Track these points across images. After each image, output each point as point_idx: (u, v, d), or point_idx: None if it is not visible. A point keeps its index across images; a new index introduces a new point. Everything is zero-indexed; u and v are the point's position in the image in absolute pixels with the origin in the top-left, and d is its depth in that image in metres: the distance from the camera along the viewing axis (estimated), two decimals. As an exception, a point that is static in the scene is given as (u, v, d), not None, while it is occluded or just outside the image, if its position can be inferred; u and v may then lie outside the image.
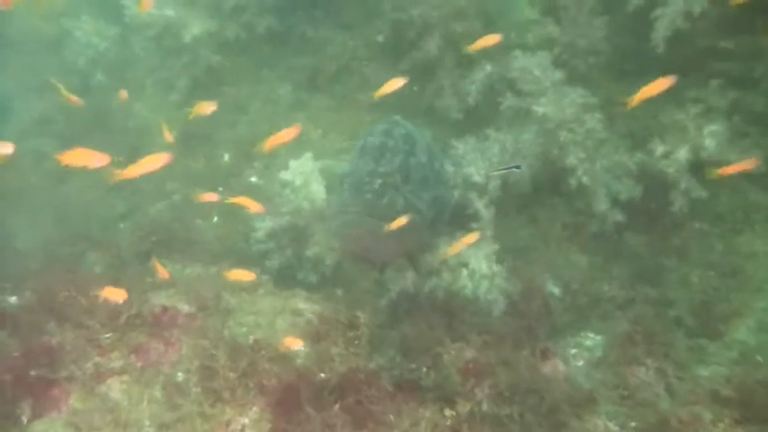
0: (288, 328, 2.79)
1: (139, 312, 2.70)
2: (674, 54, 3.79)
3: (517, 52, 4.13)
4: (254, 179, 5.70)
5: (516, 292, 3.99)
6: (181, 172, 5.96)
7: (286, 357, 2.62)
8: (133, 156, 6.49)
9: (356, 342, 2.71)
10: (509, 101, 4.38)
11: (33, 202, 6.62)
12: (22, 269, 5.09)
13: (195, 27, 5.89)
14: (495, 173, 4.05)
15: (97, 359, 2.48)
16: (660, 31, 3.70)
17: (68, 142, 6.95)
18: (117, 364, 2.49)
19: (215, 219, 5.50)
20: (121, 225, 5.87)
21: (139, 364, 2.51)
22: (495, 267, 4.17)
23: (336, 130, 5.71)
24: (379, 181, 3.32)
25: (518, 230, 4.56)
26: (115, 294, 2.59)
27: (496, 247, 4.21)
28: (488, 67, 4.72)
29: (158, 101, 6.55)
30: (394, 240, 3.36)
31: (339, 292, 4.78)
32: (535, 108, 3.89)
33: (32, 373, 2.36)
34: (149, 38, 6.18)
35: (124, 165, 6.76)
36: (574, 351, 3.84)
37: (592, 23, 4.23)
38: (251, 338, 2.74)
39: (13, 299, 4.55)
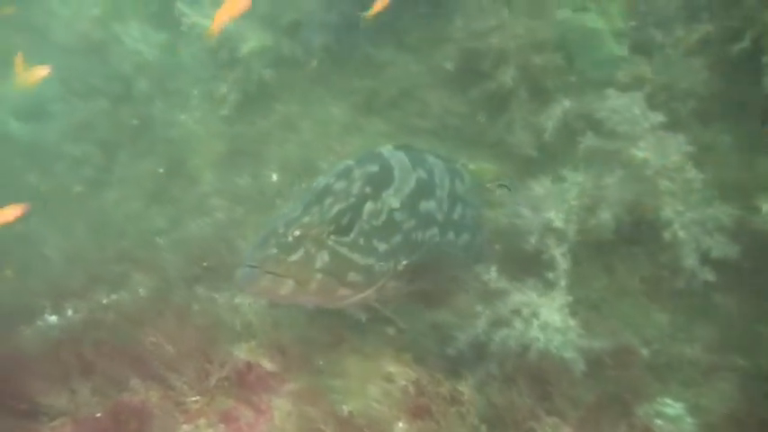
0: (382, 398, 2.50)
1: (229, 374, 2.42)
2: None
3: (610, 90, 3.85)
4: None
5: (596, 351, 3.66)
6: (226, 189, 5.75)
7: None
8: (175, 167, 6.34)
9: (461, 420, 2.41)
10: (589, 140, 4.11)
11: (68, 210, 6.42)
12: (60, 285, 4.87)
13: (252, 40, 5.68)
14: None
15: (185, 427, 2.21)
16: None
17: (109, 149, 6.81)
18: (207, 434, 2.22)
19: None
20: (161, 240, 5.62)
21: (230, 437, 2.24)
22: (570, 321, 3.89)
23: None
24: (297, 233, 2.80)
25: (591, 281, 4.27)
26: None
27: (570, 298, 3.93)
28: (566, 103, 4.44)
29: (205, 112, 6.34)
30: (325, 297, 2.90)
31: (391, 331, 4.54)
32: (634, 152, 3.59)
33: None
34: (202, 48, 5.99)
35: (165, 176, 6.57)
36: (659, 422, 3.51)
37: (690, 64, 3.95)
38: (345, 409, 2.46)
39: (53, 318, 4.33)
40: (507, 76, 4.55)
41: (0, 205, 6.52)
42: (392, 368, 2.72)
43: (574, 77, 4.51)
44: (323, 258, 2.78)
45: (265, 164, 5.77)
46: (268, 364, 2.66)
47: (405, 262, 3.14)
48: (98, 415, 2.22)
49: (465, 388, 2.63)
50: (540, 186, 4.28)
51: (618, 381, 3.53)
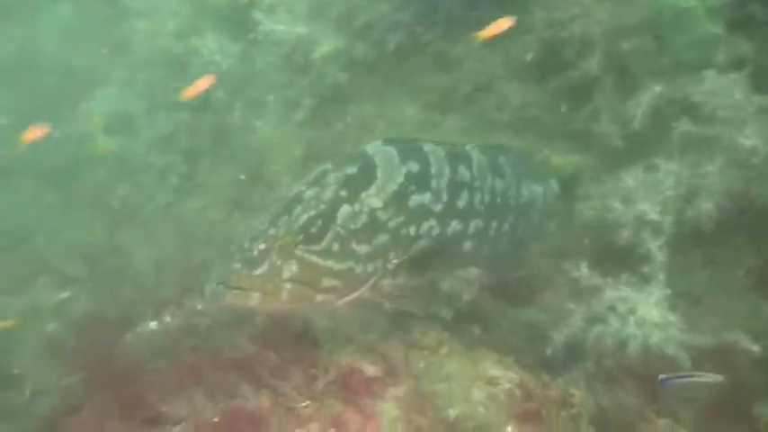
0: (487, 402, 2.46)
1: (334, 379, 2.45)
2: None
3: (708, 72, 3.64)
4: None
5: (702, 347, 3.48)
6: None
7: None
8: (254, 173, 6.49)
9: (574, 423, 2.34)
10: (684, 126, 3.91)
11: (156, 220, 6.67)
12: (154, 293, 5.07)
13: (325, 44, 5.72)
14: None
15: (298, 432, 2.25)
16: None
17: (191, 158, 7.05)
18: (320, 439, 2.25)
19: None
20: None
21: (342, 441, 2.26)
22: (670, 316, 3.71)
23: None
24: (261, 246, 2.76)
25: (692, 274, 4.07)
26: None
27: (669, 292, 3.76)
28: (657, 88, 4.23)
29: (281, 118, 6.45)
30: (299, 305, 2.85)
31: (476, 330, 4.49)
32: (739, 139, 3.39)
33: None
34: (276, 55, 6.09)
35: (245, 183, 6.73)
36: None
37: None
38: (451, 413, 2.43)
39: (153, 324, 4.51)
40: (592, 63, 4.39)
41: (92, 217, 6.90)
42: (495, 371, 2.66)
43: (665, 60, 4.30)
44: (290, 269, 2.76)
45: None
46: (369, 369, 2.66)
47: (395, 260, 3.05)
48: (215, 420, 2.28)
49: (576, 390, 2.53)
50: (631, 177, 4.12)
51: (729, 378, 3.35)
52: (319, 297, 2.82)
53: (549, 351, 3.79)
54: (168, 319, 4.46)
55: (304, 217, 2.86)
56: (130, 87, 7.28)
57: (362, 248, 2.92)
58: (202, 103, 7.05)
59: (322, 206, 2.90)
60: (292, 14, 5.80)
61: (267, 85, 6.62)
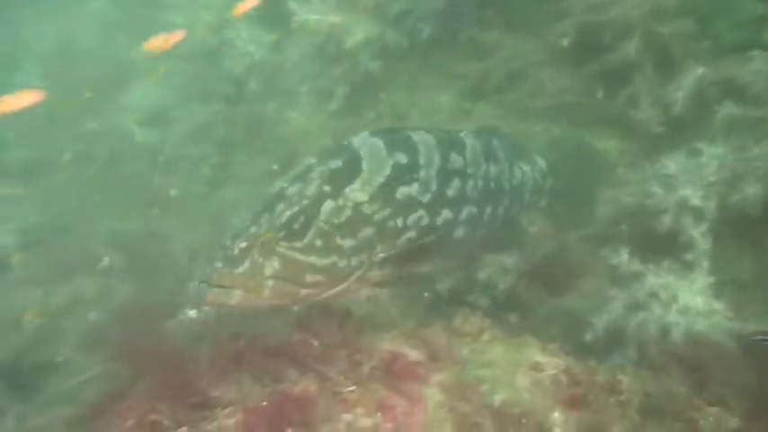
0: (533, 388, 2.45)
1: (378, 364, 2.46)
2: None
3: (754, 53, 3.55)
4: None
5: (751, 334, 3.41)
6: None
7: (542, 429, 2.29)
8: (288, 163, 6.53)
9: (622, 410, 2.32)
10: (729, 109, 3.82)
11: (191, 209, 6.76)
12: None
13: (358, 33, 5.72)
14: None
15: (345, 416, 2.27)
16: None
17: (225, 149, 7.12)
18: (367, 423, 2.25)
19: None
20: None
21: (389, 425, 2.27)
22: (715, 304, 3.65)
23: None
24: (243, 245, 2.77)
25: (737, 260, 3.98)
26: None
27: (713, 279, 3.69)
28: (699, 71, 4.14)
29: (314, 108, 6.47)
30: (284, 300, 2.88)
31: (513, 318, 4.46)
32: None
33: (290, 431, 2.17)
34: (310, 45, 6.11)
35: (279, 173, 6.77)
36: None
37: None
38: (496, 399, 2.43)
39: (192, 312, 4.58)
40: (630, 47, 4.30)
41: (128, 207, 7.02)
42: (539, 357, 2.65)
43: (707, 43, 4.20)
44: (272, 265, 2.78)
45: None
46: (412, 354, 2.67)
47: (382, 253, 3.04)
48: (264, 404, 2.31)
49: (624, 376, 2.50)
50: (673, 162, 4.05)
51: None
52: (303, 292, 2.85)
53: (589, 337, 3.77)
54: (207, 307, 4.53)
55: (286, 214, 2.87)
56: (166, 80, 7.37)
57: (347, 243, 2.93)
58: (236, 94, 7.12)
59: (305, 202, 2.91)
60: (326, 4, 5.81)
61: (300, 75, 6.65)
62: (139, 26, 7.27)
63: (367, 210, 2.99)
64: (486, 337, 2.91)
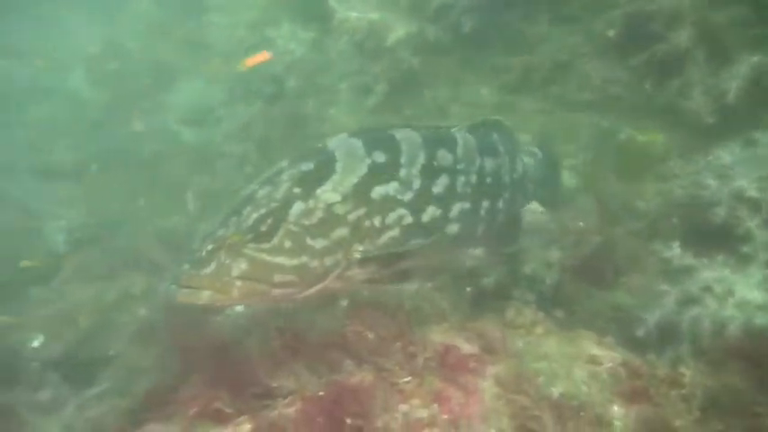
0: (590, 381, 2.43)
1: (432, 355, 2.47)
2: None
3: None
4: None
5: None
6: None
7: (602, 421, 2.26)
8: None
9: (685, 404, 2.27)
10: (787, 98, 3.72)
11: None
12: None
13: (398, 30, 5.73)
14: None
15: (402, 407, 2.28)
16: None
17: (265, 147, 7.21)
18: (423, 414, 2.27)
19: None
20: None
21: (445, 416, 2.27)
22: (776, 297, 3.55)
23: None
24: (210, 247, 2.82)
25: (794, 252, 3.85)
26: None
27: (770, 272, 3.59)
28: (755, 59, 4.02)
29: (353, 105, 6.50)
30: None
31: (559, 313, 4.41)
32: None
33: (348, 420, 2.19)
34: (349, 42, 6.13)
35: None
36: None
37: None
38: (554, 391, 2.41)
39: (240, 307, 4.65)
40: (681, 36, 4.20)
41: (173, 206, 7.16)
42: (596, 350, 2.61)
43: (763, 29, 4.07)
44: (240, 267, 2.82)
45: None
46: (465, 346, 2.67)
47: (359, 252, 3.03)
48: (320, 394, 2.34)
49: (686, 369, 2.45)
50: (727, 153, 3.96)
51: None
52: (276, 291, 2.88)
53: (640, 332, 3.71)
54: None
55: (254, 216, 2.90)
56: (209, 79, 7.50)
57: (319, 243, 2.95)
58: (277, 92, 7.19)
59: (273, 204, 2.93)
60: (366, 1, 5.83)
61: (340, 73, 6.68)
62: (183, 27, 7.42)
63: (339, 210, 2.99)
64: (539, 329, 2.89)
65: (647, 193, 4.62)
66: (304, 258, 2.90)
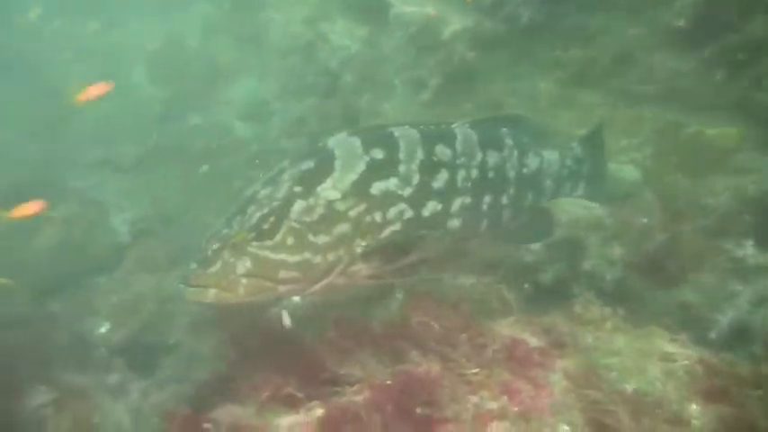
0: (665, 378, 2.35)
1: (500, 347, 2.44)
2: None
3: None
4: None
5: None
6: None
7: (680, 420, 2.19)
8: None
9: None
10: None
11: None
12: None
13: (454, 23, 5.69)
14: None
15: (472, 398, 2.27)
16: None
17: (318, 141, 7.26)
18: (493, 405, 2.24)
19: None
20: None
21: (515, 409, 2.24)
22: None
23: (609, 129, 5.13)
24: (215, 246, 2.91)
25: None
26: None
27: None
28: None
29: (409, 99, 6.48)
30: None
31: (621, 311, 4.31)
32: None
33: (418, 410, 2.19)
34: (404, 36, 6.12)
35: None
36: None
37: None
38: (628, 387, 2.35)
39: (296, 298, 4.71)
40: (758, 24, 4.04)
41: (227, 199, 7.29)
42: (669, 348, 2.53)
43: None
44: (245, 265, 2.92)
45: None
46: (533, 340, 2.63)
47: (361, 247, 3.09)
48: (388, 383, 2.34)
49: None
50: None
51: None
52: (281, 288, 3.00)
53: (710, 332, 3.59)
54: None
55: (257, 215, 3.00)
56: (265, 75, 7.61)
57: (321, 239, 3.02)
58: (331, 87, 7.24)
59: (275, 203, 3.01)
60: (421, -5, 5.82)
61: (394, 67, 6.67)
62: (241, 23, 7.54)
63: (340, 207, 3.06)
64: (608, 325, 2.81)
65: (715, 189, 4.45)
66: (307, 254, 3.00)
